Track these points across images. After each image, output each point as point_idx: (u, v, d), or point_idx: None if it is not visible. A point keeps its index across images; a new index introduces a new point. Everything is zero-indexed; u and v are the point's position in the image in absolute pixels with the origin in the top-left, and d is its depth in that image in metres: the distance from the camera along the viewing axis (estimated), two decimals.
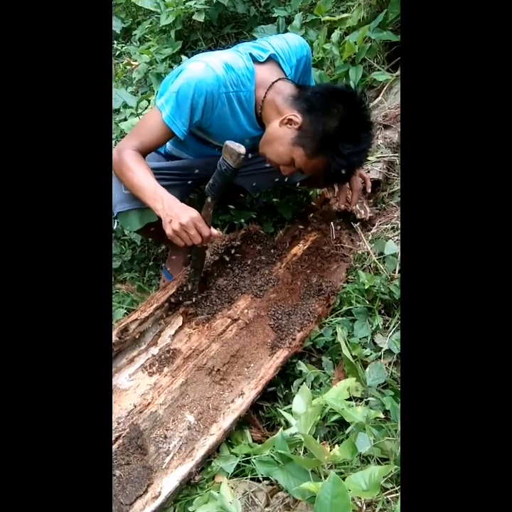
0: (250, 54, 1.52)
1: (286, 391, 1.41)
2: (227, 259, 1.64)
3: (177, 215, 1.31)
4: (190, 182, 1.72)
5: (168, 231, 1.32)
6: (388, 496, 0.99)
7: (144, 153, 1.49)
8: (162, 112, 1.44)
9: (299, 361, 1.42)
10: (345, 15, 2.34)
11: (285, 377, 1.45)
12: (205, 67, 1.41)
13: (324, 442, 1.15)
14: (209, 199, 1.33)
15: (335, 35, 2.23)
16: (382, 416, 1.06)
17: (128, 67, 3.17)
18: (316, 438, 1.18)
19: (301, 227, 1.80)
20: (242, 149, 1.21)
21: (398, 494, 0.93)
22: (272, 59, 1.55)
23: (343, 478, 0.94)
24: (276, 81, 1.52)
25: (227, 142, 1.22)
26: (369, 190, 1.67)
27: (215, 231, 1.35)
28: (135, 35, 3.40)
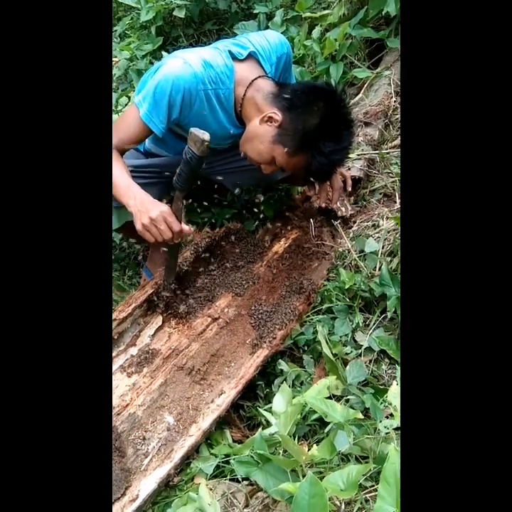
0: (229, 51, 1.50)
1: (267, 390, 1.40)
2: (208, 257, 1.62)
3: (147, 209, 1.29)
4: (169, 180, 1.70)
5: (138, 226, 1.31)
6: (367, 495, 0.98)
7: (121, 150, 1.47)
8: (140, 109, 1.42)
9: (280, 360, 1.41)
10: (326, 11, 2.32)
11: (266, 376, 1.45)
12: (183, 64, 1.39)
13: (302, 441, 1.14)
14: (177, 192, 1.31)
15: (315, 32, 2.22)
16: (361, 416, 1.05)
17: None
18: (296, 437, 1.18)
19: (281, 225, 1.79)
20: (206, 136, 1.18)
21: (376, 493, 0.93)
22: (251, 56, 1.53)
23: (323, 478, 0.93)
24: (256, 79, 1.50)
25: (192, 129, 1.20)
26: (349, 189, 1.67)
27: (186, 226, 1.33)
28: (116, 31, 3.35)
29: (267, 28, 2.52)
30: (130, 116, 1.45)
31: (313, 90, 1.44)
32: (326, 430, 1.12)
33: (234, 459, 1.11)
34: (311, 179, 1.62)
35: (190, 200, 1.56)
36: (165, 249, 1.42)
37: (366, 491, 0.99)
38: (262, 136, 1.45)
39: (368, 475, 1.02)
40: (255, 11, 2.68)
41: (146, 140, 1.70)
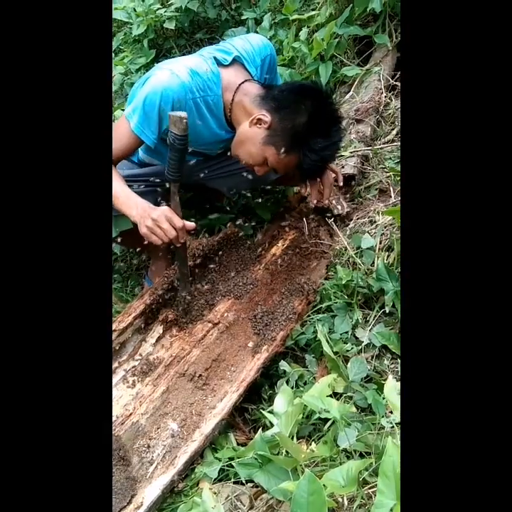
0: (214, 58, 1.52)
1: (271, 392, 1.40)
2: (206, 263, 1.63)
3: (148, 213, 1.33)
4: (163, 188, 1.71)
5: (143, 230, 1.34)
6: (370, 491, 0.98)
7: (115, 161, 1.49)
8: (130, 121, 1.44)
9: (282, 361, 1.41)
10: (313, 12, 2.33)
11: (270, 378, 1.45)
12: (171, 75, 1.41)
13: (301, 440, 1.14)
14: (172, 186, 1.35)
15: (303, 33, 2.23)
16: (354, 410, 1.05)
17: None
18: (300, 437, 1.18)
19: (279, 226, 1.79)
20: (182, 113, 1.28)
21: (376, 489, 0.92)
22: (236, 61, 1.55)
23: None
24: (242, 83, 1.52)
25: (170, 113, 1.30)
26: (341, 184, 1.66)
27: (187, 222, 1.36)
28: None
29: (256, 33, 2.54)
30: (121, 128, 1.47)
31: (299, 89, 1.45)
32: (324, 428, 1.12)
33: (236, 461, 1.11)
34: (304, 177, 1.62)
35: (189, 196, 1.57)
36: (175, 256, 1.45)
37: (369, 486, 0.99)
38: (252, 138, 1.47)
39: (371, 470, 1.02)
40: (244, 17, 2.70)
41: (139, 150, 1.72)
